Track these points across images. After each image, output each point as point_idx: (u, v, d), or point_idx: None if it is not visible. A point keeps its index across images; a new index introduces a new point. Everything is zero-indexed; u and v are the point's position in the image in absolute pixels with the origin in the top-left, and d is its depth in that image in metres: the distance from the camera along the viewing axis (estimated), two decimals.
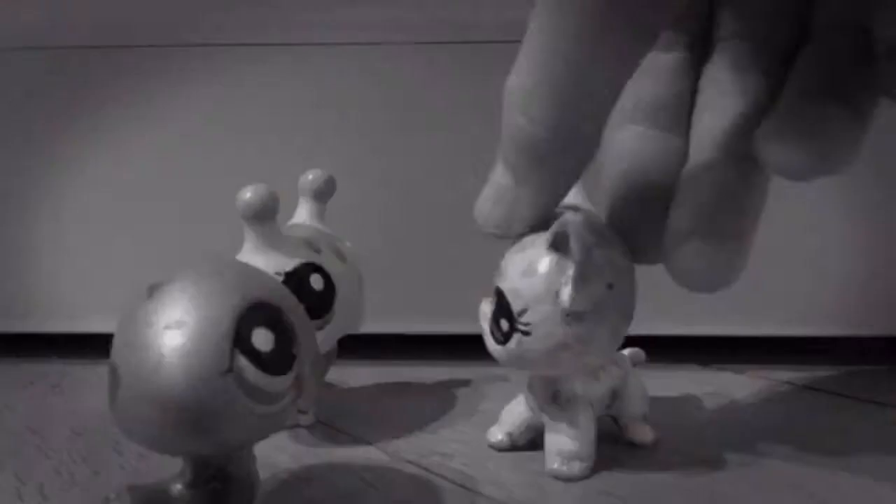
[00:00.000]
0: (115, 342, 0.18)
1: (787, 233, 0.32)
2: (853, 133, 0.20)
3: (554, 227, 0.22)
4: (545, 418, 0.25)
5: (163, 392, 0.17)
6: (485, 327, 0.24)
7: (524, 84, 0.20)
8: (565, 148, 0.21)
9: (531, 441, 0.26)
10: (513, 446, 0.26)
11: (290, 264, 0.25)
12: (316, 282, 0.26)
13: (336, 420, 0.30)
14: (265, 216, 0.25)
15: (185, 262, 0.19)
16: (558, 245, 0.22)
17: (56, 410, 0.31)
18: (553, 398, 0.25)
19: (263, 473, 0.21)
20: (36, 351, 0.39)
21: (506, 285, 0.23)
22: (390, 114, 0.35)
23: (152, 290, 0.18)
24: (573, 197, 0.25)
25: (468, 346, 0.38)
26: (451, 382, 0.34)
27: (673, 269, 0.22)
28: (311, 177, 0.29)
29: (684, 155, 0.23)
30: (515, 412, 0.26)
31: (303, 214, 0.29)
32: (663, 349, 0.31)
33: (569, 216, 0.22)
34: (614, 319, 0.23)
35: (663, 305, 0.28)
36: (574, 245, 0.21)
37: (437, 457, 0.26)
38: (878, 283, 0.35)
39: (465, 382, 0.34)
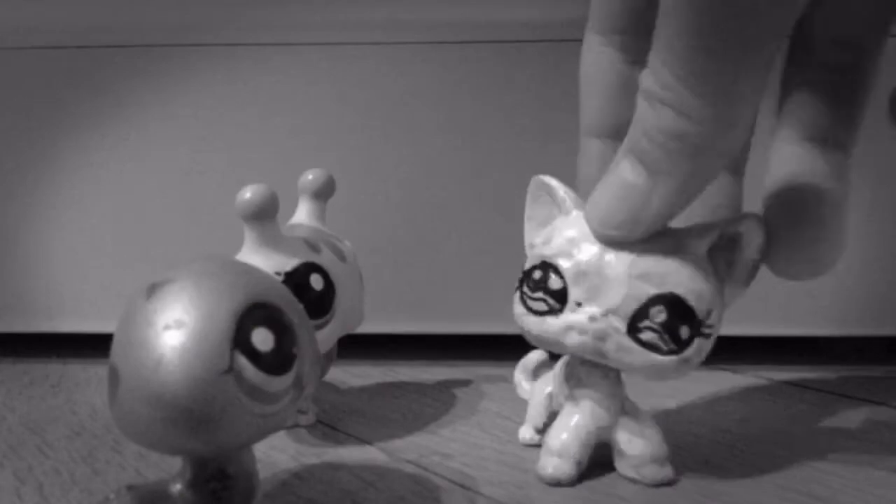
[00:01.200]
0: (115, 342, 0.18)
1: None
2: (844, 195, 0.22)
3: (724, 229, 0.22)
4: (618, 427, 0.24)
5: (163, 392, 0.17)
6: (599, 346, 0.22)
7: (673, 76, 0.19)
8: (716, 140, 0.20)
9: None
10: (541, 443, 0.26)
11: (289, 264, 0.25)
12: (316, 282, 0.26)
13: (336, 420, 0.30)
14: (265, 216, 0.25)
15: (185, 262, 0.19)
16: (725, 247, 0.22)
17: (56, 410, 0.31)
18: (622, 408, 0.24)
19: (263, 473, 0.21)
20: (36, 351, 0.39)
21: (683, 290, 0.21)
22: (390, 114, 0.35)
23: (152, 290, 0.18)
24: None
25: (468, 346, 0.38)
26: (451, 382, 0.34)
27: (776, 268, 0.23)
28: (311, 177, 0.29)
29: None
30: (541, 407, 0.26)
31: (303, 214, 0.29)
32: None
33: (743, 218, 0.22)
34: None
35: None
36: (745, 240, 0.22)
37: (436, 457, 0.26)
38: (878, 283, 0.35)
39: (465, 382, 0.34)
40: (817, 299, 0.35)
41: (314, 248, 0.26)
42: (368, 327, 0.29)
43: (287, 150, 0.35)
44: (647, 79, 0.20)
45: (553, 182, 0.24)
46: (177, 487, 0.19)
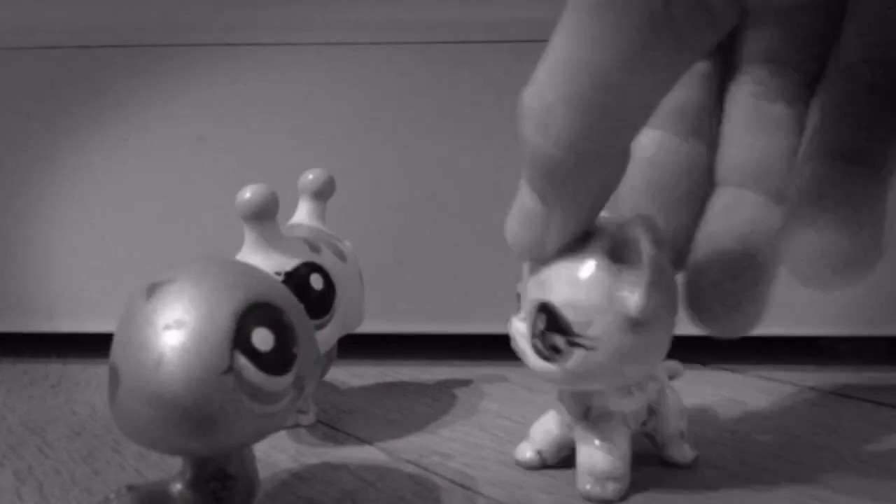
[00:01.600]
0: (115, 342, 0.18)
1: None
2: (881, 213, 0.19)
3: (616, 235, 0.20)
4: (577, 435, 0.24)
5: (163, 392, 0.17)
6: (524, 347, 0.22)
7: (545, 99, 0.18)
8: (592, 169, 0.19)
9: (565, 459, 0.25)
10: (543, 465, 0.25)
11: (289, 264, 0.25)
12: (316, 282, 0.26)
13: (336, 420, 0.30)
14: (265, 216, 0.25)
15: (185, 262, 0.19)
16: (619, 250, 0.20)
17: (56, 410, 0.31)
18: (585, 414, 0.23)
19: (263, 473, 0.21)
20: (36, 351, 0.39)
21: (556, 298, 0.21)
22: (390, 113, 0.35)
23: (152, 290, 0.18)
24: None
25: (468, 346, 0.38)
26: (451, 382, 0.34)
27: (695, 313, 0.21)
28: (311, 177, 0.29)
29: (705, 162, 0.22)
30: (545, 429, 0.25)
31: (303, 214, 0.29)
32: None
33: (628, 222, 0.20)
34: (670, 324, 0.21)
35: None
36: (644, 249, 0.20)
37: (436, 457, 0.26)
38: (878, 283, 0.35)
39: (465, 382, 0.34)
40: (817, 299, 0.35)
41: (314, 248, 0.26)
42: (368, 327, 0.29)
43: (287, 150, 0.35)
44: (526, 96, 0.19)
45: None
46: (177, 487, 0.19)
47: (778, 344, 0.36)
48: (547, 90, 0.18)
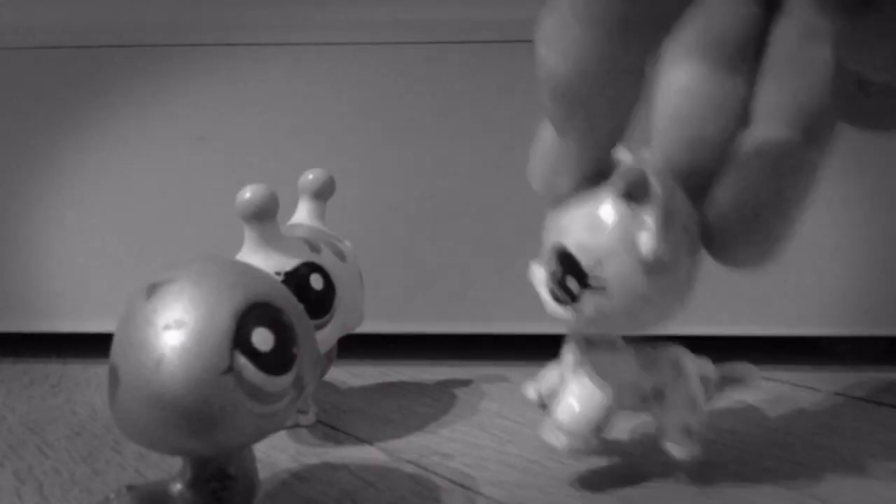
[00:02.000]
0: (115, 342, 0.18)
1: None
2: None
3: (626, 173, 0.20)
4: (564, 382, 0.23)
5: (163, 392, 0.17)
6: (542, 292, 0.22)
7: (556, 15, 0.17)
8: (602, 89, 0.18)
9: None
10: (541, 404, 0.25)
11: (289, 264, 0.25)
12: (316, 282, 0.26)
13: (336, 420, 0.30)
14: (265, 216, 0.25)
15: (185, 262, 0.19)
16: (633, 191, 0.20)
17: (56, 410, 0.31)
18: (575, 368, 0.23)
19: (263, 473, 0.21)
20: (36, 351, 0.39)
21: (570, 241, 0.20)
22: (390, 114, 0.35)
23: (152, 290, 0.18)
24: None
25: (468, 346, 0.38)
26: (451, 382, 0.34)
27: (712, 249, 0.21)
28: (311, 177, 0.29)
29: (743, 102, 0.21)
30: (548, 375, 0.25)
31: (303, 214, 0.29)
32: None
33: (635, 159, 0.20)
34: (689, 266, 0.21)
35: None
36: (654, 188, 0.19)
37: (436, 457, 0.26)
38: (878, 283, 0.35)
39: (465, 382, 0.34)
40: (817, 299, 0.35)
41: (314, 248, 0.26)
42: (368, 327, 0.29)
43: (287, 150, 0.35)
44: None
45: None
46: (177, 487, 0.19)
47: (778, 344, 0.36)
48: (560, 4, 0.17)
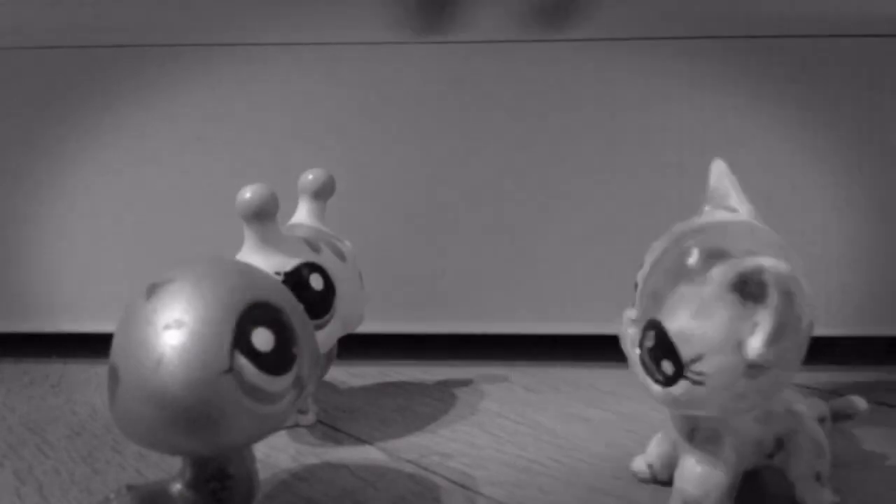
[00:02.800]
0: (115, 342, 0.18)
1: (788, 234, 0.32)
2: None
3: (745, 270, 0.18)
4: (680, 454, 0.22)
5: (163, 392, 0.17)
6: (632, 354, 0.21)
7: None
8: None
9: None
10: (654, 479, 0.24)
11: (289, 264, 0.25)
12: (316, 282, 0.26)
13: (336, 420, 0.30)
14: (265, 216, 0.25)
15: (185, 262, 0.19)
16: (750, 292, 0.18)
17: (56, 410, 0.31)
18: (690, 435, 0.22)
19: (263, 473, 0.21)
20: (36, 351, 0.39)
21: (673, 325, 0.19)
22: (391, 114, 0.35)
23: (152, 290, 0.18)
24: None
25: (468, 346, 0.38)
26: (451, 382, 0.34)
27: None
28: (311, 177, 0.29)
29: None
30: (659, 442, 0.24)
31: (303, 214, 0.29)
32: None
33: (764, 257, 0.19)
34: (794, 366, 0.20)
35: None
36: (772, 293, 0.18)
37: (436, 457, 0.26)
38: (878, 283, 0.35)
39: (465, 382, 0.34)
40: (817, 299, 0.35)
41: (314, 248, 0.26)
42: (368, 327, 0.29)
43: (287, 150, 0.35)
44: None
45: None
46: (177, 487, 0.19)
47: None
48: None
